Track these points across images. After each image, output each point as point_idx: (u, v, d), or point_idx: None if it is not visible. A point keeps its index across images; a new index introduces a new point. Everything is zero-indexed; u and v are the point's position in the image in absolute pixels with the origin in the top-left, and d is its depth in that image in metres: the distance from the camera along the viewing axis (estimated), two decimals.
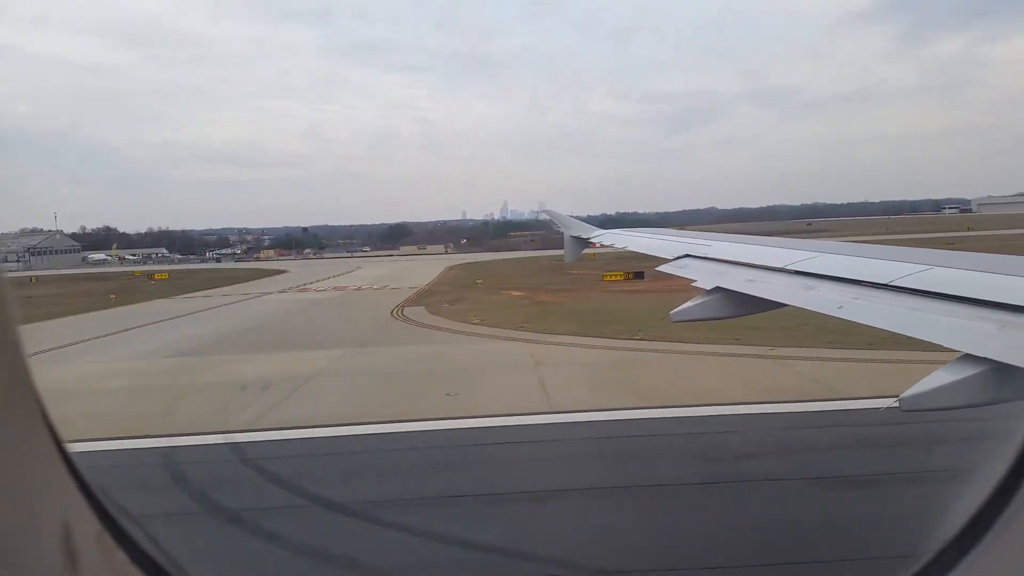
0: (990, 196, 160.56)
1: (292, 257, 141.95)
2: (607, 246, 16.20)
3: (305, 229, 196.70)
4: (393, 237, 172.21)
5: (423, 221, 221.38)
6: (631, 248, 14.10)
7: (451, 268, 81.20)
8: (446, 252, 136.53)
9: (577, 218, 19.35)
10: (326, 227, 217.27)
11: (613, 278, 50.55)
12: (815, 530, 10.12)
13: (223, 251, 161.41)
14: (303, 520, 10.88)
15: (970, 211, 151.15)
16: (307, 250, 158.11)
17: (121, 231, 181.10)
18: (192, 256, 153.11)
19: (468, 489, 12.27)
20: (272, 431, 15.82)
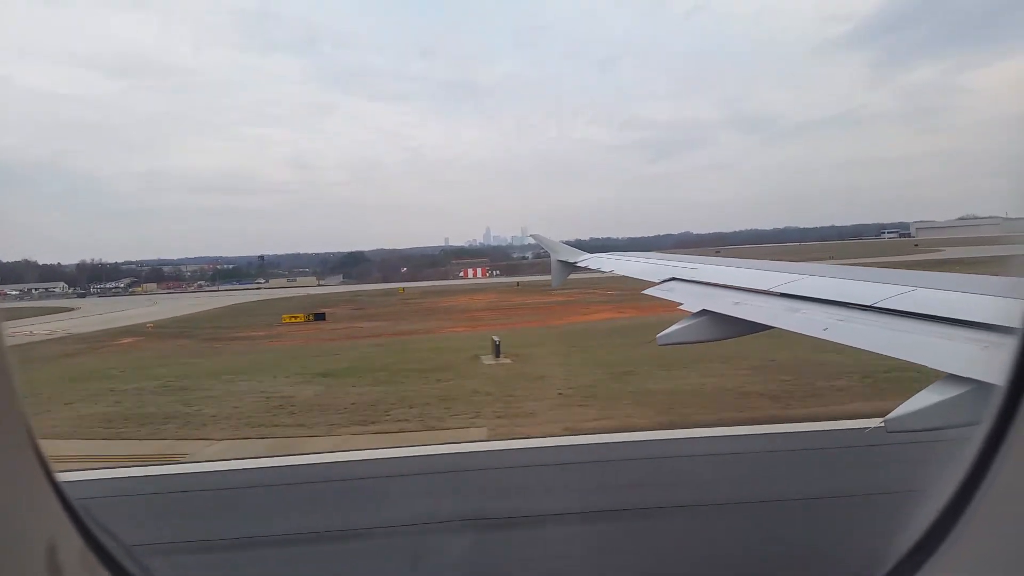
0: (928, 220, 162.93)
1: (171, 291, 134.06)
2: (594, 270, 16.20)
3: (261, 257, 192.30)
4: (347, 265, 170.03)
5: (395, 248, 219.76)
6: (618, 272, 14.10)
7: (231, 306, 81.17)
8: (318, 284, 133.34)
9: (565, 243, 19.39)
10: (294, 255, 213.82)
11: (292, 320, 49.75)
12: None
13: (114, 284, 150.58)
14: None
15: (909, 235, 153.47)
16: (200, 282, 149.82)
17: (101, 261, 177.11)
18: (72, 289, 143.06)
19: None
20: None
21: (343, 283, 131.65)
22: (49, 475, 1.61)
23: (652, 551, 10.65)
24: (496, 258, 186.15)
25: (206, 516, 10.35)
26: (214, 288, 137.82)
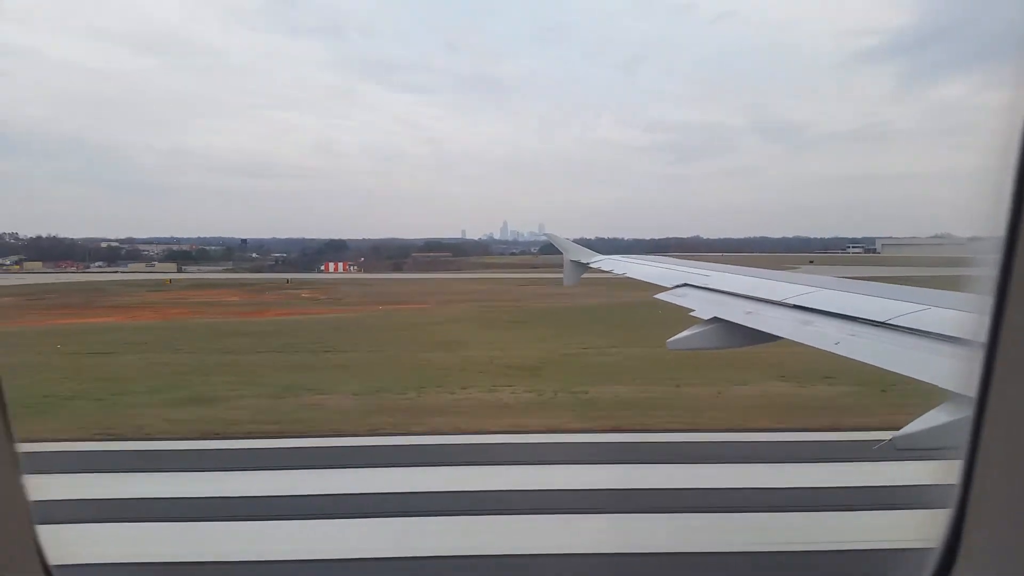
0: (892, 236, 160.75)
1: (52, 270, 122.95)
2: (606, 272, 16.23)
3: (244, 241, 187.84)
4: (328, 251, 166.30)
5: (407, 238, 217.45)
6: (629, 275, 14.10)
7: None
8: (177, 271, 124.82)
9: (577, 241, 19.42)
10: (281, 240, 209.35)
11: None
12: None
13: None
14: None
15: (875, 251, 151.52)
16: (100, 263, 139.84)
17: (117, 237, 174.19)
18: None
19: None
20: None
21: (227, 270, 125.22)
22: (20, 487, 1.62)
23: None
24: (468, 252, 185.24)
25: None
26: (94, 269, 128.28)
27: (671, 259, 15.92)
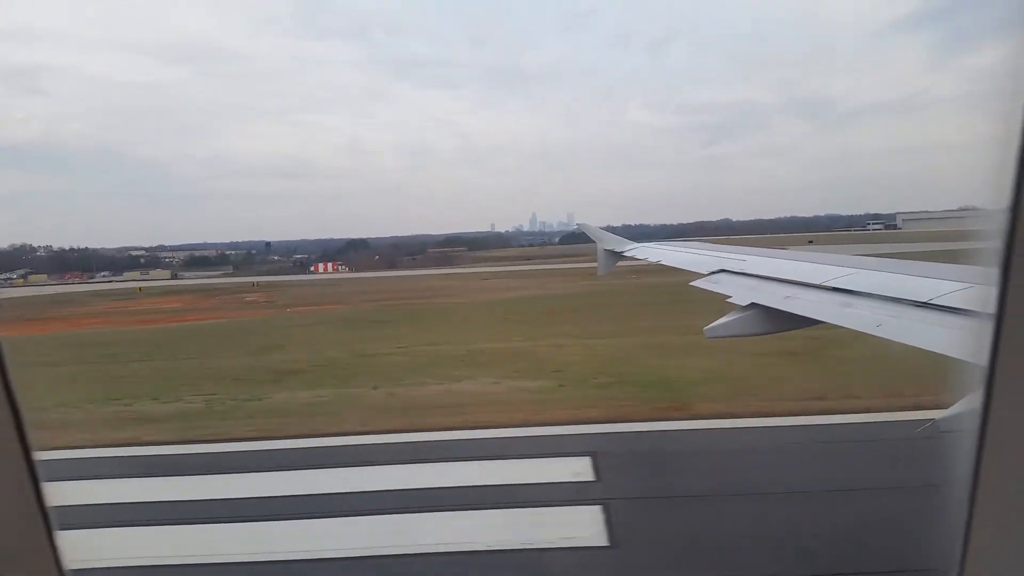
0: (914, 212, 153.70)
1: (58, 283, 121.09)
2: (640, 260, 16.20)
3: (268, 244, 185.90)
4: (347, 252, 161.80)
5: (434, 234, 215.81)
6: (664, 262, 14.06)
7: None
8: (171, 278, 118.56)
9: (609, 230, 19.41)
10: (301, 241, 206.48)
11: None
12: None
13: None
14: None
15: (895, 226, 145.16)
16: (106, 272, 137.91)
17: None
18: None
19: None
20: None
21: (226, 275, 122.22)
22: (39, 493, 1.63)
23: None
24: (490, 245, 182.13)
25: None
26: (98, 279, 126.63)
27: (705, 244, 15.82)
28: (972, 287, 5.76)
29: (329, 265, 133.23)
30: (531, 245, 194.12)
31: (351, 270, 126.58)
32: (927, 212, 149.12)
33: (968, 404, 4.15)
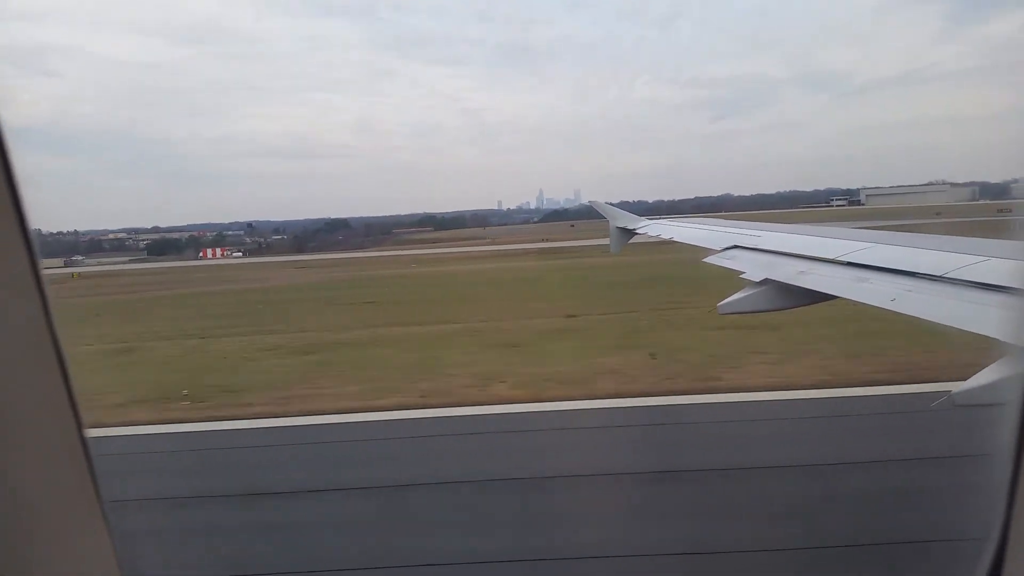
0: (877, 187, 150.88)
1: None
2: (652, 237, 16.13)
3: (250, 224, 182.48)
4: (326, 232, 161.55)
5: (415, 213, 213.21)
6: (676, 239, 13.97)
7: None
8: (63, 266, 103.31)
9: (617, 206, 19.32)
10: (283, 222, 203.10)
11: None
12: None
13: None
14: None
15: (859, 202, 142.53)
16: (78, 256, 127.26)
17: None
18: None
19: None
20: None
21: (116, 263, 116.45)
22: (94, 480, 1.62)
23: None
24: (468, 225, 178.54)
25: None
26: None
27: (717, 220, 15.71)
28: (988, 260, 5.74)
29: (217, 251, 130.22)
30: (527, 222, 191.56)
31: (245, 255, 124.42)
32: (891, 188, 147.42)
33: (985, 377, 4.17)
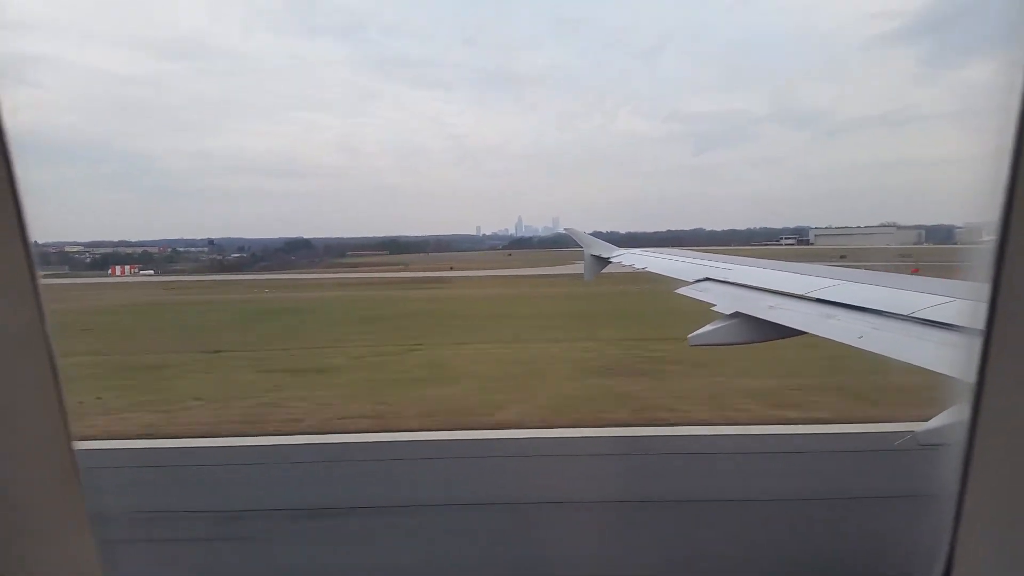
0: (827, 228, 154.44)
1: None
2: (626, 266, 16.21)
3: (211, 241, 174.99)
4: (288, 252, 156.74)
5: (412, 235, 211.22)
6: (650, 269, 14.06)
7: None
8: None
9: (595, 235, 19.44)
10: (263, 239, 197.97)
11: None
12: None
13: None
14: None
15: (808, 241, 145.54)
16: None
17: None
18: None
19: None
20: None
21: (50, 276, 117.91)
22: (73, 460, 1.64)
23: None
24: (433, 249, 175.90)
25: None
26: None
27: (690, 252, 15.87)
28: (954, 301, 5.80)
29: (127, 268, 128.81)
30: (493, 248, 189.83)
31: (157, 273, 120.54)
32: (841, 228, 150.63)
33: (949, 417, 4.16)
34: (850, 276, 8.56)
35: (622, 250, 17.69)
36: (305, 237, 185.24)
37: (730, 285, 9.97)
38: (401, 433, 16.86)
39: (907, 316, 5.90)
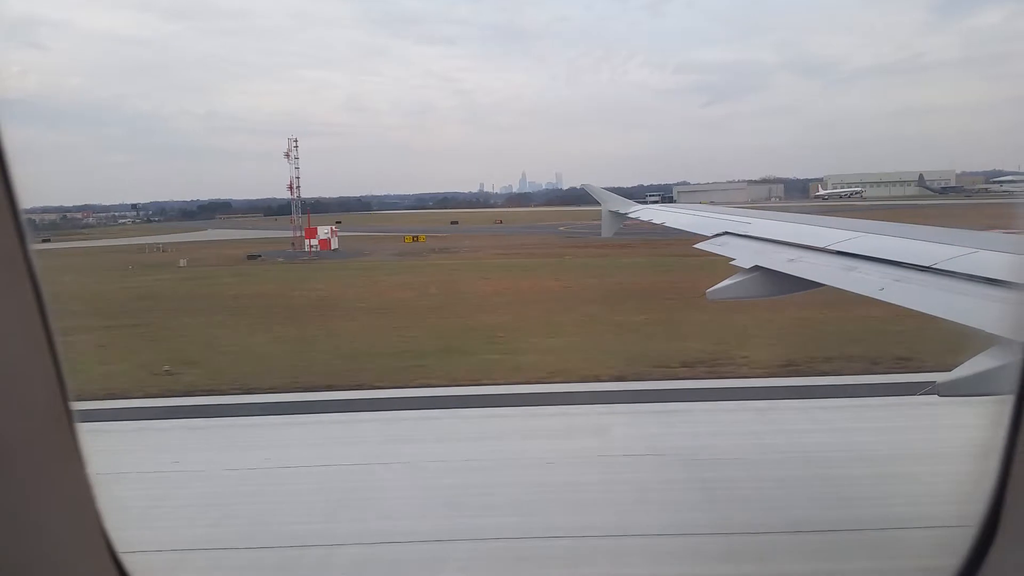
0: (690, 184, 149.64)
1: None
2: (645, 221, 16.11)
3: (134, 205, 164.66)
4: (208, 213, 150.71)
5: (407, 193, 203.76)
6: (668, 224, 13.96)
7: None
8: None
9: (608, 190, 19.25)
10: (188, 202, 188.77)
11: None
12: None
13: None
14: None
15: (671, 199, 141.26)
16: None
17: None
18: None
19: None
20: None
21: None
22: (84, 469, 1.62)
23: None
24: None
25: None
26: None
27: (709, 206, 15.73)
28: (976, 252, 5.74)
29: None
30: (493, 205, 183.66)
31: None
32: (700, 185, 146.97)
33: (971, 368, 4.18)
34: (872, 228, 8.48)
35: (640, 205, 17.55)
36: (225, 199, 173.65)
37: (749, 239, 9.90)
38: None
39: (928, 267, 5.86)
